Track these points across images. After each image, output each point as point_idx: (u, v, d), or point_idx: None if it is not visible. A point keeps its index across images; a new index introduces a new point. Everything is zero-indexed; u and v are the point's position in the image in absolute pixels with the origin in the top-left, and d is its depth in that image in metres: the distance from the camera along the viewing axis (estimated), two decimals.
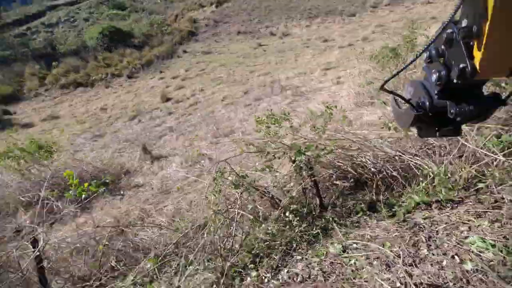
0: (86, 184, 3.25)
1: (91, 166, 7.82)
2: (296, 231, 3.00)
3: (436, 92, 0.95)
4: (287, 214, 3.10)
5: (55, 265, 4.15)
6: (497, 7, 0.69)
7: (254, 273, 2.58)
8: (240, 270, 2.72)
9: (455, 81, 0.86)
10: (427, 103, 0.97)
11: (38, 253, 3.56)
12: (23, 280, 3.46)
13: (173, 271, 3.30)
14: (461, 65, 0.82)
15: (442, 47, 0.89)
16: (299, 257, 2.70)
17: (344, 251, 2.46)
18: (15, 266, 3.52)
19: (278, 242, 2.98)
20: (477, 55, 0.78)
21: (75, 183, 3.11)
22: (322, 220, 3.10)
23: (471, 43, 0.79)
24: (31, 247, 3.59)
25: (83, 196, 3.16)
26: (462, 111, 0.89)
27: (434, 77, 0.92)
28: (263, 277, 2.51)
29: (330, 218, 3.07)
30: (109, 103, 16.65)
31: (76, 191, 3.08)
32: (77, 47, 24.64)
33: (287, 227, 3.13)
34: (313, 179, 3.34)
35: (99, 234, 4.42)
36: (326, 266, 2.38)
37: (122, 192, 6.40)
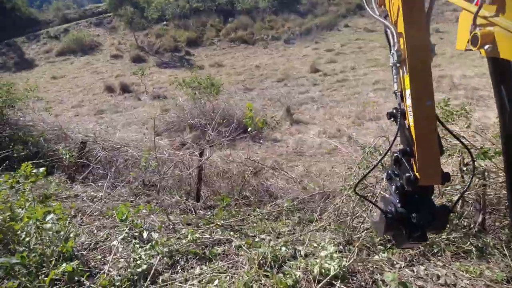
0: (257, 119, 3.78)
1: (241, 111, 9.00)
2: (442, 237, 2.71)
3: (398, 200, 1.27)
4: None
5: (204, 179, 5.17)
6: (417, 135, 1.15)
7: (384, 254, 2.54)
8: (369, 246, 2.71)
9: (406, 188, 1.20)
10: (393, 209, 1.27)
11: (201, 163, 4.51)
12: (188, 177, 4.54)
13: (296, 220, 3.59)
14: (406, 175, 1.19)
15: (394, 166, 1.27)
16: (440, 263, 2.47)
17: (508, 282, 2.08)
18: (187, 166, 4.62)
19: None
20: (415, 167, 1.17)
21: (251, 115, 3.67)
22: (479, 240, 2.67)
23: (411, 160, 1.17)
24: (198, 156, 4.59)
25: (250, 129, 3.70)
26: (421, 216, 1.19)
27: (393, 187, 1.28)
28: (395, 262, 2.43)
29: (491, 243, 2.61)
30: (263, 62, 18.19)
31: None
32: (250, 7, 27.31)
33: None
34: (482, 192, 2.85)
35: (241, 167, 5.19)
36: (478, 286, 2.10)
37: (261, 141, 7.16)
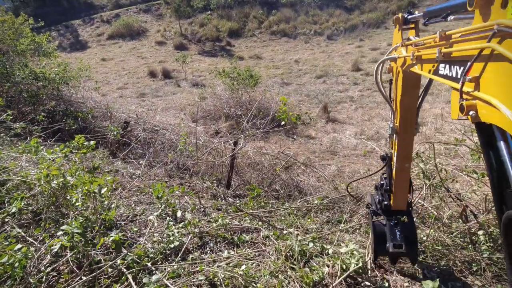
0: (291, 113, 3.76)
1: (276, 105, 8.96)
2: (483, 255, 2.53)
3: (378, 207, 2.17)
4: (479, 232, 2.62)
5: (236, 168, 5.25)
6: (395, 181, 1.98)
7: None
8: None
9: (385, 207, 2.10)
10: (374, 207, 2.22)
11: (235, 152, 4.59)
12: (221, 164, 4.65)
13: (324, 218, 3.54)
14: (385, 202, 2.06)
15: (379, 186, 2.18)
16: (478, 283, 2.31)
17: None
18: (220, 154, 4.74)
19: (452, 255, 2.62)
20: (391, 197, 2.01)
21: (284, 109, 3.66)
22: None
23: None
24: (233, 145, 4.67)
25: (283, 123, 3.69)
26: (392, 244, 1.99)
27: (377, 199, 2.17)
28: (427, 274, 2.32)
29: None
30: (303, 57, 17.89)
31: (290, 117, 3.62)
32: (295, 0, 26.86)
33: (470, 246, 2.67)
34: None
35: (273, 160, 5.20)
36: None
37: (295, 137, 7.10)
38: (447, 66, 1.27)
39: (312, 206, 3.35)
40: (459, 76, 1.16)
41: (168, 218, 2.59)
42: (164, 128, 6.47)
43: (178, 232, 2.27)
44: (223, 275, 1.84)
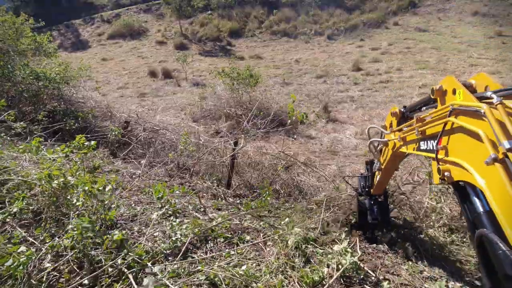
0: (297, 112, 3.76)
1: (277, 105, 8.96)
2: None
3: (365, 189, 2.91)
4: None
5: (236, 168, 5.25)
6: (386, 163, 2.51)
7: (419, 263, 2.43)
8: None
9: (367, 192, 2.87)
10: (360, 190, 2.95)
11: (235, 152, 4.59)
12: (221, 164, 4.65)
13: (324, 219, 3.54)
14: (368, 184, 2.85)
15: (367, 174, 2.88)
16: (478, 283, 2.31)
17: None
18: (221, 153, 4.74)
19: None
20: (375, 180, 2.74)
21: (291, 107, 3.65)
22: None
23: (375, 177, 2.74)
24: (233, 145, 4.67)
25: (289, 121, 3.69)
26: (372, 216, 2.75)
27: (363, 183, 2.93)
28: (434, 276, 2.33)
29: None
30: (304, 57, 17.89)
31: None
32: (296, 0, 26.84)
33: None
34: None
35: (273, 160, 5.20)
36: None
37: (295, 137, 7.10)
38: (425, 142, 1.68)
39: (313, 206, 3.35)
40: (434, 148, 1.52)
41: (170, 218, 2.59)
42: (165, 128, 6.48)
43: (178, 232, 2.28)
44: (223, 275, 1.84)
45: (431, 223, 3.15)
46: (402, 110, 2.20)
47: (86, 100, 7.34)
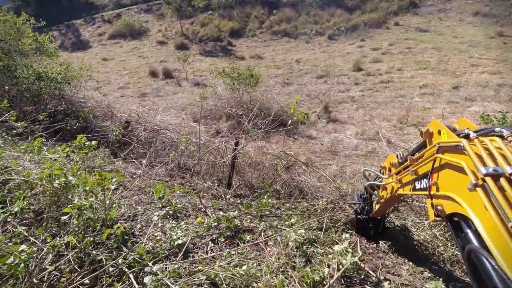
0: (298, 112, 3.76)
1: (278, 105, 8.96)
2: None
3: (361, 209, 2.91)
4: None
5: (237, 168, 5.25)
6: (384, 202, 2.51)
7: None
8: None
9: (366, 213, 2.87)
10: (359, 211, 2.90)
11: (236, 152, 4.59)
12: (222, 164, 4.66)
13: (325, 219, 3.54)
14: (367, 208, 2.84)
15: (366, 195, 2.87)
16: None
17: None
18: (221, 154, 4.74)
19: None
20: (374, 208, 2.70)
21: (294, 108, 3.66)
22: None
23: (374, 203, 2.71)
24: (234, 145, 4.68)
25: (290, 121, 3.69)
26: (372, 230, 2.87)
27: (362, 205, 2.89)
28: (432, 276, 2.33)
29: None
30: (304, 57, 17.89)
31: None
32: (296, 0, 26.84)
33: None
34: None
35: (273, 160, 5.20)
36: None
37: (296, 137, 7.10)
38: (420, 181, 1.81)
39: (316, 207, 3.35)
40: (427, 185, 1.65)
41: (170, 218, 2.59)
42: (165, 128, 6.48)
43: (179, 232, 2.28)
44: (224, 275, 1.84)
45: (431, 223, 3.15)
46: (400, 161, 2.29)
47: (87, 100, 7.35)
